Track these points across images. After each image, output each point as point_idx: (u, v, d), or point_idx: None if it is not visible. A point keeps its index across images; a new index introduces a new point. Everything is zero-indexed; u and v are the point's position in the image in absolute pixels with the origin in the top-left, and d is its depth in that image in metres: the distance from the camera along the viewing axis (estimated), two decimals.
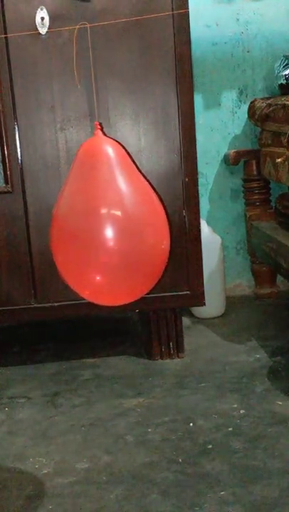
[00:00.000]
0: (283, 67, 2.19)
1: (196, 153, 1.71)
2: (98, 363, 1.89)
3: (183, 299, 1.79)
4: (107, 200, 1.39)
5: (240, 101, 2.40)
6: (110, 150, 1.42)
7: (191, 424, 1.46)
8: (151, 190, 1.50)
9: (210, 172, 2.44)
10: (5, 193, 1.71)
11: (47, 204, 1.67)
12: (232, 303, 2.37)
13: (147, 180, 1.53)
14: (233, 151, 2.34)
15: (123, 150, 1.47)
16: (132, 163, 1.49)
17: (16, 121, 1.68)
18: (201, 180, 2.34)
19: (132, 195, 1.41)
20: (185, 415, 1.50)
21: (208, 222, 2.31)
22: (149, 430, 1.45)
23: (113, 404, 1.60)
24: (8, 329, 2.23)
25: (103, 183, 1.39)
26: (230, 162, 2.33)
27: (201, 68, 2.35)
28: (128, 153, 1.51)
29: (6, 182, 1.70)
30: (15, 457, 1.38)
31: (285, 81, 2.17)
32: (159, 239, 1.47)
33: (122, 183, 1.40)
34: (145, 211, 1.44)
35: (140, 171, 1.55)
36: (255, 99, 2.28)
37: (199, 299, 1.79)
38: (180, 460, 1.31)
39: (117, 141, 1.50)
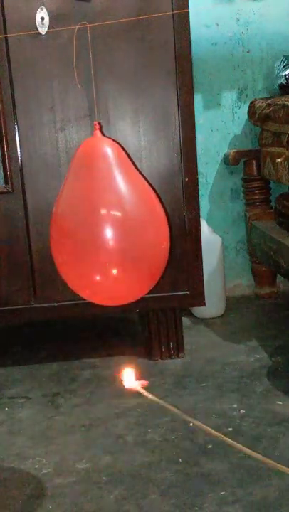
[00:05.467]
0: (283, 67, 2.19)
1: (196, 153, 1.71)
2: (98, 363, 1.89)
3: (183, 299, 1.79)
4: (106, 200, 1.39)
5: (240, 101, 2.40)
6: (108, 150, 1.42)
7: (191, 424, 1.45)
8: (151, 190, 1.50)
9: (210, 172, 2.44)
10: (5, 193, 1.71)
11: (47, 204, 1.67)
12: (232, 303, 2.37)
13: (146, 180, 1.53)
14: (233, 151, 2.34)
15: (121, 150, 1.47)
16: (130, 162, 1.49)
17: (16, 121, 1.68)
18: (201, 180, 2.34)
19: (130, 194, 1.41)
20: (185, 415, 1.50)
21: (208, 222, 2.31)
22: (149, 430, 1.45)
23: (113, 404, 1.60)
24: (8, 329, 2.23)
25: (101, 183, 1.39)
26: (230, 162, 2.33)
27: (201, 68, 2.35)
28: (126, 153, 1.51)
29: (6, 182, 1.70)
30: (15, 457, 1.38)
31: (285, 81, 2.17)
32: (159, 239, 1.47)
33: (120, 183, 1.40)
34: (144, 211, 1.44)
35: (139, 171, 1.56)
36: (255, 99, 2.28)
37: (199, 299, 1.79)
38: (180, 460, 1.31)
39: (115, 141, 1.50)
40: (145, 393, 0.58)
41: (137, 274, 1.43)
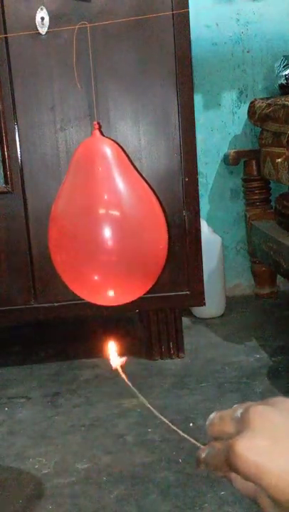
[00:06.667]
0: (283, 67, 2.19)
1: (196, 153, 1.71)
2: (98, 363, 1.89)
3: (183, 299, 1.79)
4: (105, 200, 1.39)
5: (240, 101, 2.40)
6: (107, 150, 1.42)
7: (191, 424, 1.46)
8: (149, 190, 1.50)
9: (210, 172, 2.44)
10: (5, 193, 1.71)
11: (47, 204, 1.67)
12: (232, 303, 2.37)
13: (145, 180, 1.53)
14: (233, 151, 2.34)
15: (120, 150, 1.47)
16: (129, 162, 1.49)
17: (16, 121, 1.68)
18: (201, 180, 2.34)
19: (129, 194, 1.41)
20: (185, 415, 1.50)
21: (208, 222, 2.31)
22: (149, 430, 1.45)
23: (113, 404, 1.60)
24: (8, 329, 2.23)
25: (100, 183, 1.40)
26: (230, 162, 2.33)
27: (201, 68, 2.35)
28: (126, 153, 1.51)
29: (6, 182, 1.70)
30: (15, 457, 1.38)
31: (285, 81, 2.17)
32: (157, 239, 1.47)
33: (119, 183, 1.40)
34: (143, 211, 1.44)
35: (138, 171, 1.56)
36: (255, 99, 2.28)
37: (199, 299, 1.79)
38: (180, 460, 1.31)
39: (114, 141, 1.50)
40: (122, 373, 0.59)
41: (136, 275, 1.43)
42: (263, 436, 0.42)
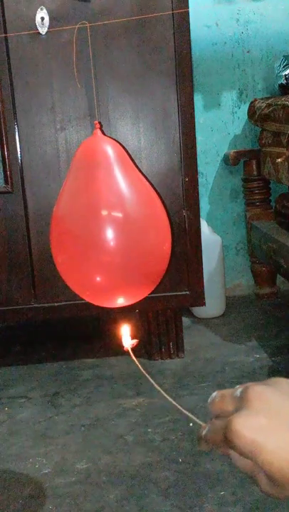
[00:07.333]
0: (283, 67, 2.19)
1: (196, 153, 1.71)
2: (98, 363, 1.89)
3: (183, 299, 1.79)
4: (107, 200, 1.39)
5: (240, 101, 2.40)
6: (109, 149, 1.42)
7: (191, 424, 1.46)
8: (152, 190, 1.50)
9: (210, 172, 2.44)
10: (5, 193, 1.71)
11: (47, 204, 1.67)
12: (232, 303, 2.37)
13: (147, 180, 1.53)
14: (233, 151, 2.34)
15: (122, 149, 1.47)
16: (131, 162, 1.49)
17: (16, 122, 1.68)
18: (201, 180, 2.34)
19: (131, 195, 1.41)
20: (185, 415, 1.50)
21: (208, 222, 2.31)
22: (149, 430, 1.45)
23: (113, 404, 1.60)
24: (8, 329, 2.23)
25: (102, 182, 1.39)
26: (230, 162, 2.33)
27: (201, 68, 2.35)
28: (127, 153, 1.51)
29: (6, 182, 1.70)
30: (15, 457, 1.38)
31: (285, 81, 2.17)
32: (160, 239, 1.47)
33: (121, 183, 1.40)
34: (146, 211, 1.44)
35: (140, 171, 1.56)
36: (255, 99, 2.28)
37: (199, 299, 1.79)
38: (180, 460, 1.31)
39: (116, 141, 1.50)
40: (133, 356, 0.61)
41: (139, 276, 1.43)
42: (260, 414, 0.44)
